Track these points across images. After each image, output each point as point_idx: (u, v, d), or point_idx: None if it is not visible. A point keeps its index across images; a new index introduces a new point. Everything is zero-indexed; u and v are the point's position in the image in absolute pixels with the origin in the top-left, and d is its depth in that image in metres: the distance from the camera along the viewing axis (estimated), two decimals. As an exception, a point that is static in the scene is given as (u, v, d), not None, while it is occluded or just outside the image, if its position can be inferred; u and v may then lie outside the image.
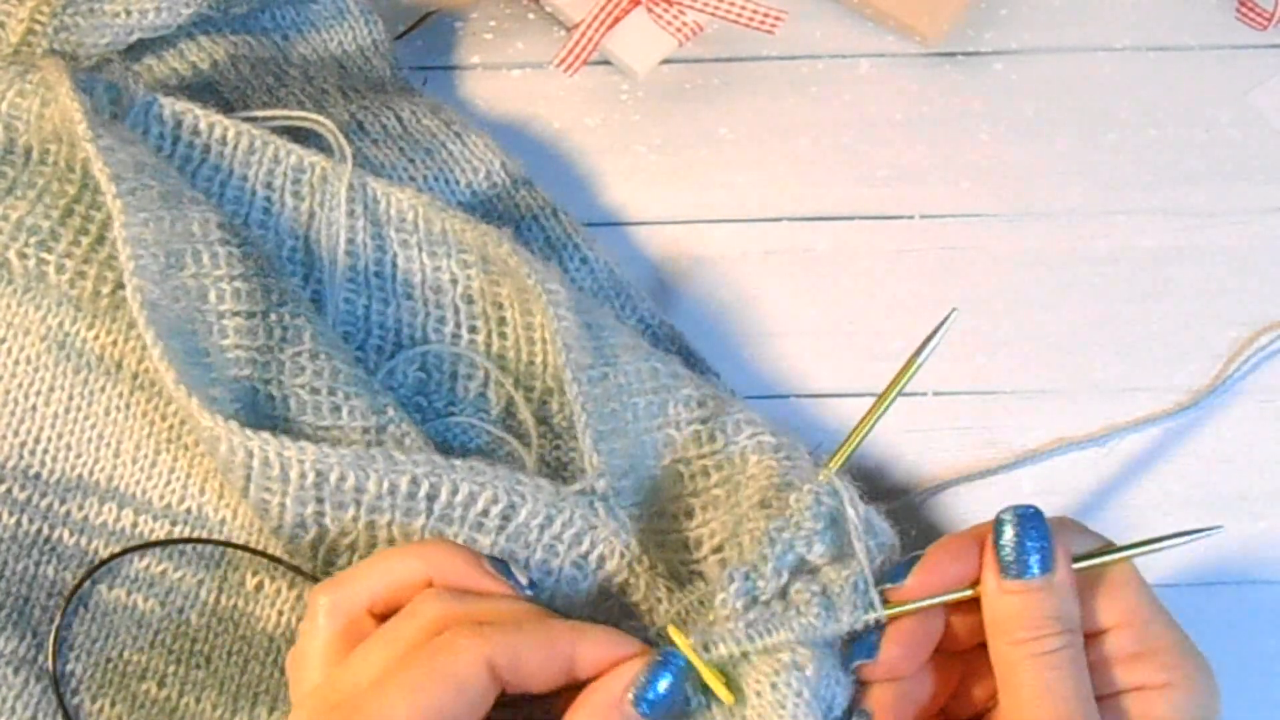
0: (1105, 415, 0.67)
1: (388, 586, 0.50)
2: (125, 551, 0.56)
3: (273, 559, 0.56)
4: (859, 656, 0.51)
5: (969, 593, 0.51)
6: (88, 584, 0.56)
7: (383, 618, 0.50)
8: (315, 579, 0.54)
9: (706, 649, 0.50)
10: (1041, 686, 0.48)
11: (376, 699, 0.46)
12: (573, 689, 0.49)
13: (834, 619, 0.50)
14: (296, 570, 0.55)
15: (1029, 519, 0.50)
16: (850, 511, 0.52)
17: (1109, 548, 0.52)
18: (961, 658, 0.54)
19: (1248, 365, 0.67)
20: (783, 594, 0.51)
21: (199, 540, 0.57)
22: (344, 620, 0.49)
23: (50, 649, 0.55)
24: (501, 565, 0.52)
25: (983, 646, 0.54)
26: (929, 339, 0.53)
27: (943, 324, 0.53)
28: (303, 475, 0.52)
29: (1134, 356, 0.68)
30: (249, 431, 0.51)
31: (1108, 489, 0.66)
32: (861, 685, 0.52)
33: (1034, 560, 0.50)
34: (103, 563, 0.56)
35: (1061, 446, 0.66)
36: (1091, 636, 0.51)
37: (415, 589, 0.50)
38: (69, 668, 0.56)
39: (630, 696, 0.48)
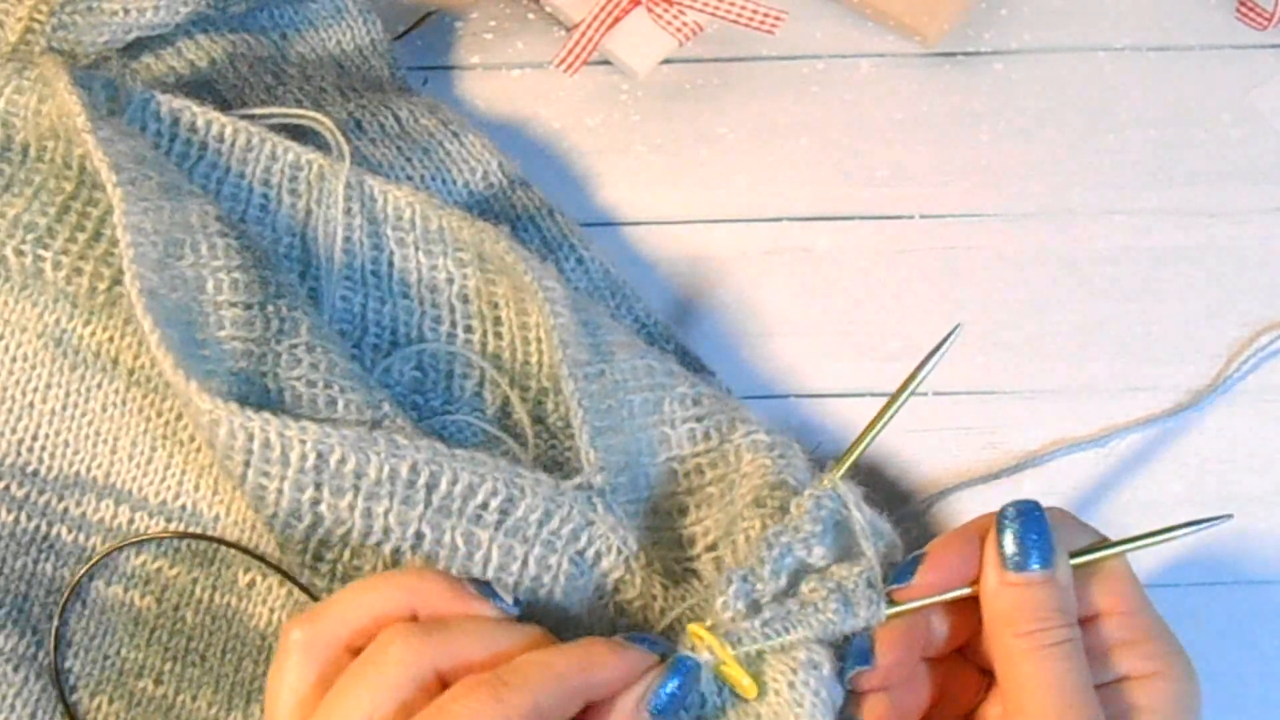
0: (1105, 415, 0.67)
1: (371, 619, 0.48)
2: (118, 547, 0.57)
3: (259, 558, 0.56)
4: (856, 664, 0.51)
5: (968, 590, 0.51)
6: (85, 580, 0.56)
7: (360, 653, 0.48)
8: (303, 586, 0.54)
9: (732, 646, 0.50)
10: (1048, 678, 0.48)
11: None
12: None
13: (852, 614, 0.50)
14: (284, 574, 0.55)
15: (1031, 514, 0.51)
16: (856, 514, 0.52)
17: (1105, 542, 0.52)
18: (939, 666, 0.54)
19: (1248, 365, 0.67)
20: (788, 593, 0.51)
21: (192, 535, 0.57)
22: (321, 659, 0.48)
23: (51, 645, 0.56)
24: (485, 587, 0.51)
25: (958, 653, 0.54)
26: (933, 353, 0.53)
27: (947, 339, 0.53)
28: (303, 457, 0.51)
29: (1134, 356, 0.68)
30: (250, 412, 0.51)
31: (1108, 489, 0.66)
32: (852, 696, 0.52)
33: (1036, 554, 0.50)
34: (98, 559, 0.56)
35: (1061, 447, 0.66)
36: (1082, 622, 0.51)
37: (399, 622, 0.48)
38: (67, 664, 0.56)
39: (646, 703, 0.48)
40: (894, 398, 0.54)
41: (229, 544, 0.57)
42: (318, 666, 0.48)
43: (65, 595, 0.56)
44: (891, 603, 0.51)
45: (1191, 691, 0.51)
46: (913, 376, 0.54)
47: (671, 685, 0.48)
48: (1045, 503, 0.65)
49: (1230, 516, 0.54)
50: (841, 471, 0.53)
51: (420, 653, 0.47)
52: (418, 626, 0.48)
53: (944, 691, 0.54)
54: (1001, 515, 0.51)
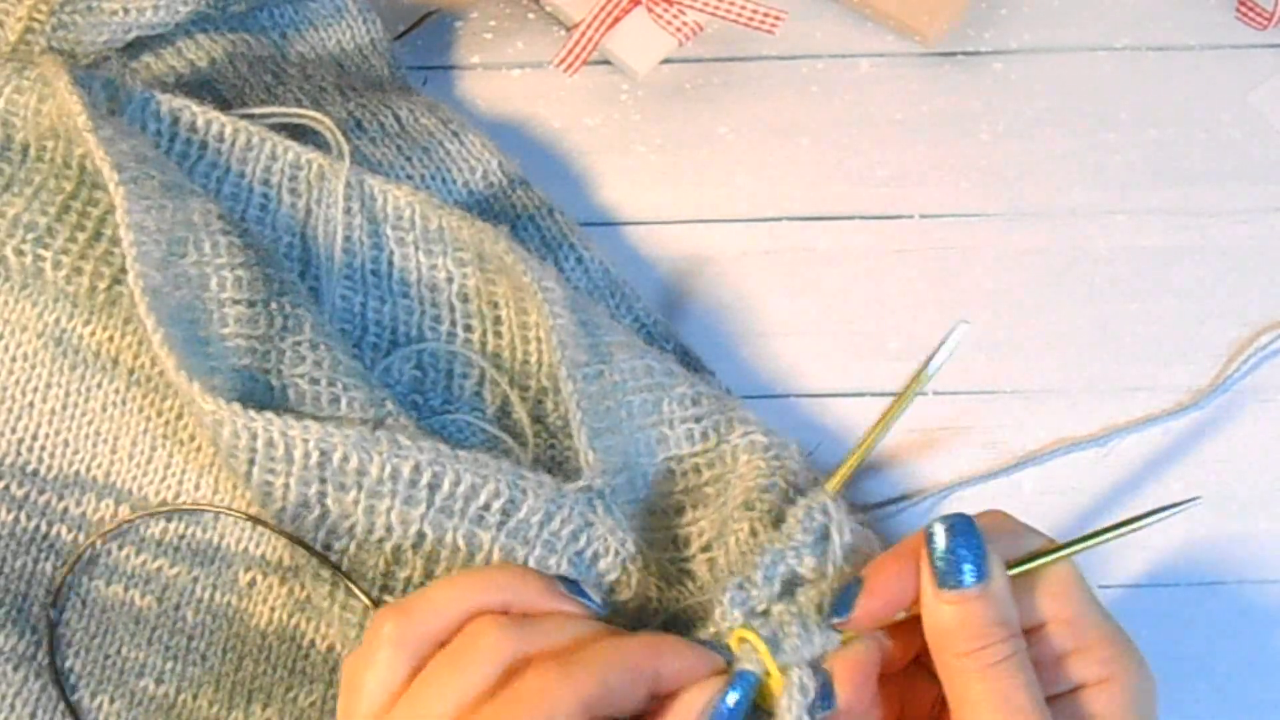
0: (1105, 415, 0.67)
1: (465, 615, 0.48)
2: (108, 532, 0.57)
3: (259, 522, 0.56)
4: (821, 707, 0.50)
5: (904, 615, 0.50)
6: (85, 580, 0.57)
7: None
8: (315, 551, 0.54)
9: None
10: (999, 697, 0.47)
11: None
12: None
13: (809, 641, 0.50)
14: (291, 538, 0.54)
15: (959, 528, 0.49)
16: (835, 536, 0.52)
17: (1050, 546, 0.50)
18: (895, 679, 0.53)
19: (1248, 365, 0.67)
20: (769, 610, 0.51)
21: (177, 509, 0.57)
22: (413, 653, 0.48)
23: (46, 640, 0.56)
24: (574, 585, 0.51)
25: (915, 663, 0.53)
26: (934, 353, 0.53)
27: (948, 337, 0.53)
28: (307, 455, 0.52)
29: (1134, 356, 0.68)
30: (252, 413, 0.51)
31: (1108, 489, 0.66)
32: None
33: (968, 568, 0.48)
34: (85, 548, 0.56)
35: (1061, 447, 0.66)
36: (1026, 633, 0.49)
37: (490, 615, 0.49)
38: (68, 664, 0.56)
39: (706, 716, 0.48)
40: (894, 405, 0.53)
41: (224, 510, 0.57)
42: (410, 660, 0.48)
43: (57, 586, 0.56)
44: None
45: (1146, 689, 0.49)
46: (915, 379, 0.53)
47: (734, 697, 0.48)
48: (1045, 503, 0.65)
49: (1198, 499, 0.52)
50: (837, 482, 0.53)
51: (509, 643, 0.47)
52: (507, 620, 0.48)
53: (903, 704, 0.53)
54: (929, 532, 0.49)
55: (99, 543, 0.57)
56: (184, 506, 0.57)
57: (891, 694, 0.53)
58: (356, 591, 0.54)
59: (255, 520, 0.56)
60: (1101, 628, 0.50)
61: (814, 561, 0.52)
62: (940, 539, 0.49)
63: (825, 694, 0.50)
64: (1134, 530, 0.51)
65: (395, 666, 0.48)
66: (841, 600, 0.50)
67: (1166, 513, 0.51)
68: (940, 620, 0.48)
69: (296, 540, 0.54)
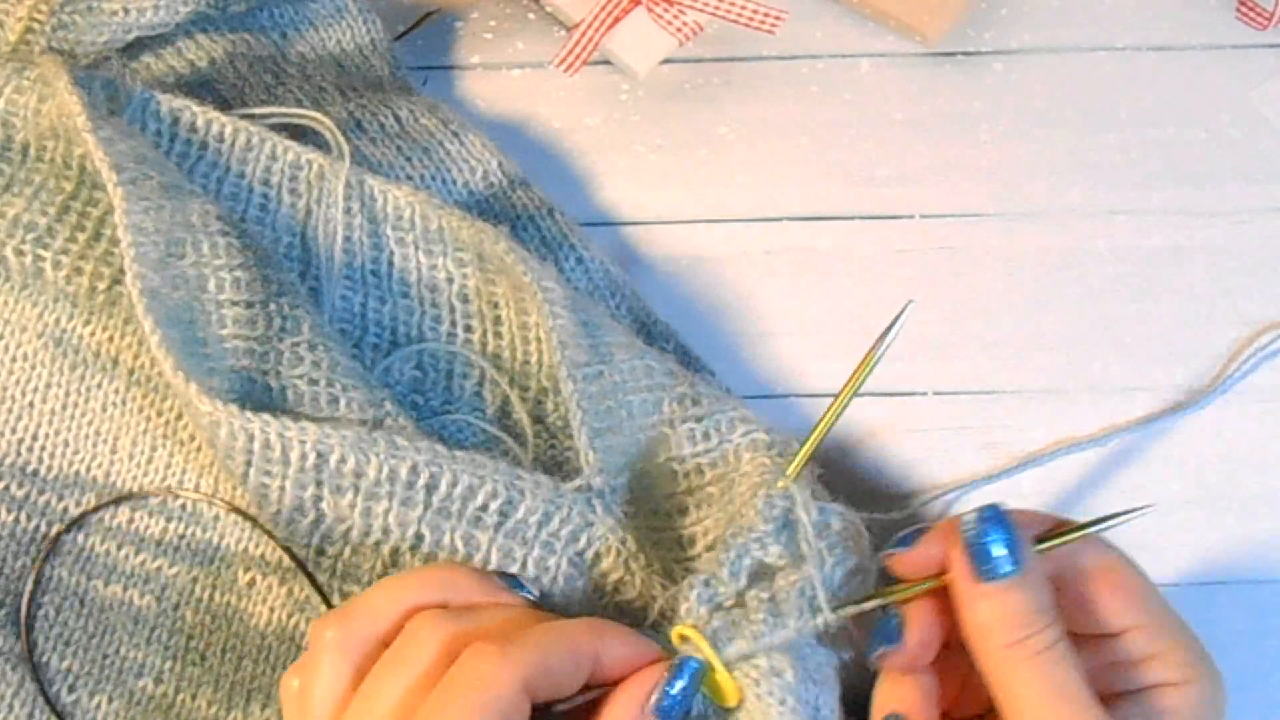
0: (1105, 415, 0.67)
1: (404, 613, 0.48)
2: (88, 513, 0.57)
3: (250, 519, 0.56)
4: (882, 644, 0.50)
5: (931, 584, 0.50)
6: (84, 579, 0.57)
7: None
8: (298, 562, 0.54)
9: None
10: (1048, 684, 0.47)
11: None
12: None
13: (781, 625, 0.49)
14: (282, 546, 0.55)
15: (992, 519, 0.49)
16: (802, 516, 0.51)
17: (1068, 525, 0.50)
18: (959, 660, 0.52)
19: (1248, 365, 0.67)
20: (741, 601, 0.51)
21: (176, 493, 0.57)
22: (356, 656, 0.48)
23: (22, 629, 0.56)
24: (512, 579, 0.52)
25: None
26: (884, 334, 0.52)
27: (898, 318, 0.52)
28: (303, 456, 0.52)
29: (1134, 356, 0.68)
30: (249, 414, 0.51)
31: (1108, 489, 0.66)
32: (882, 682, 0.51)
33: (1005, 558, 0.48)
34: (62, 531, 0.56)
35: (1061, 447, 0.66)
36: (1106, 639, 0.50)
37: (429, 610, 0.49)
38: (65, 664, 0.56)
39: (651, 703, 0.48)
40: (846, 387, 0.53)
41: (217, 500, 0.57)
42: (353, 664, 0.48)
43: (35, 568, 0.56)
44: (883, 572, 0.50)
45: (1219, 693, 0.50)
46: (866, 361, 0.52)
47: (679, 686, 0.48)
48: (1045, 504, 0.65)
49: (1152, 507, 0.51)
50: (794, 472, 0.53)
51: (447, 629, 0.47)
52: (446, 611, 0.48)
53: (963, 686, 0.53)
54: (963, 525, 0.49)
55: (65, 533, 0.57)
56: (151, 491, 0.57)
57: (952, 672, 0.52)
58: (324, 601, 0.54)
59: (242, 514, 0.56)
60: (1179, 635, 0.50)
61: (779, 549, 0.51)
62: (974, 532, 0.48)
63: (891, 632, 0.49)
64: (1086, 535, 0.50)
65: (340, 670, 0.48)
66: (906, 537, 0.50)
67: (1116, 520, 0.50)
68: (982, 613, 0.48)
69: (284, 546, 0.54)
